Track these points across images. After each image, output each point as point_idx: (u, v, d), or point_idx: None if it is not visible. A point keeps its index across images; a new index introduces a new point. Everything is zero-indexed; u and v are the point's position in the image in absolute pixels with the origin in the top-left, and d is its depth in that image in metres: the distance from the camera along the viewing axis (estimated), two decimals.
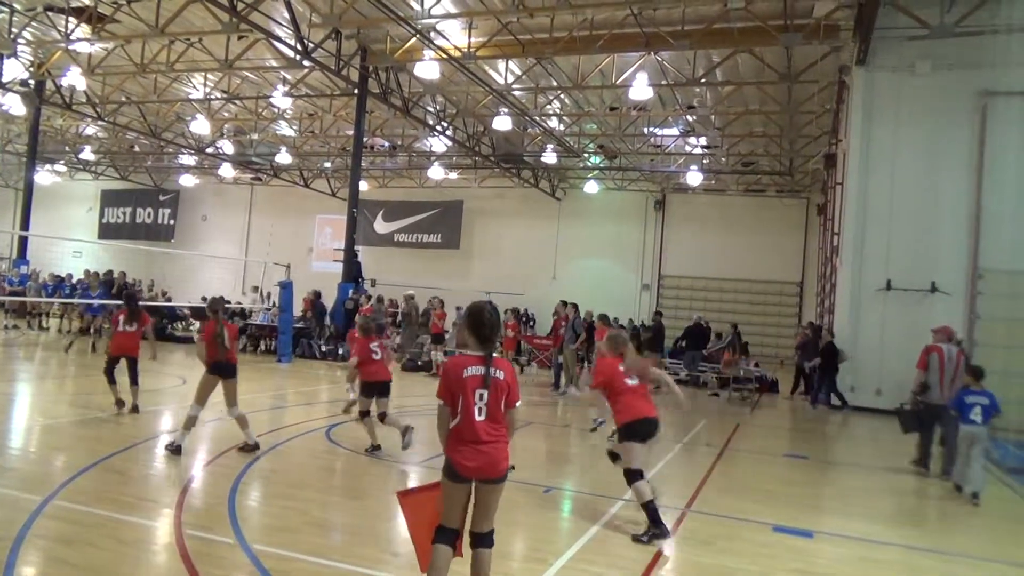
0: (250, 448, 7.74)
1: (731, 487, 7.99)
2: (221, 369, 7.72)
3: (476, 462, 3.82)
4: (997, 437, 11.87)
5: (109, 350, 9.73)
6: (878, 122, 15.36)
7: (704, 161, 24.98)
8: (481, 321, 3.97)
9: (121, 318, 9.59)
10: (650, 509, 5.77)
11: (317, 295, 20.79)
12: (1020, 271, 13.75)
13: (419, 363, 18.49)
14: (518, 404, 4.06)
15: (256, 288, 22.93)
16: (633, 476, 5.92)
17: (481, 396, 3.85)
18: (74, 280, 23.73)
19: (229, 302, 22.72)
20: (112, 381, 9.54)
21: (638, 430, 6.13)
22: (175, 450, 7.41)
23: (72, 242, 31.15)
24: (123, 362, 9.65)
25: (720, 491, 7.71)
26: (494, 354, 3.97)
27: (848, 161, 15.91)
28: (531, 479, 7.23)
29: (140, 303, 10.55)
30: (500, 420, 3.92)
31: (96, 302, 17.31)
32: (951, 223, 14.93)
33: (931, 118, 15.13)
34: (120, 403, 9.49)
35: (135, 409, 9.60)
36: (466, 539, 4.02)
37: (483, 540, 3.96)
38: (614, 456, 6.80)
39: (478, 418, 3.85)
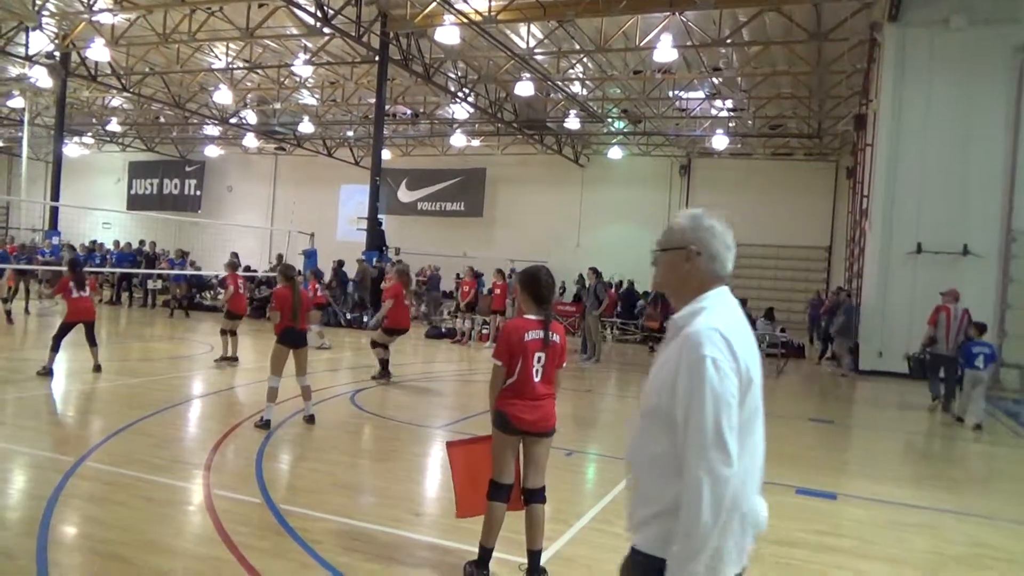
0: (308, 420, 7.65)
1: None
2: (293, 338, 7.48)
3: (533, 416, 4.03)
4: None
5: (66, 317, 9.78)
6: (910, 80, 14.93)
7: (730, 125, 24.53)
8: (539, 283, 4.11)
9: (72, 285, 9.63)
10: None
11: (340, 263, 20.92)
12: None
13: (443, 331, 18.60)
14: (564, 364, 4.27)
15: (280, 256, 23.16)
16: None
17: (539, 359, 4.05)
18: (104, 249, 24.14)
19: (256, 271, 22.98)
20: (56, 349, 9.46)
21: None
22: (264, 424, 7.31)
23: (101, 213, 31.60)
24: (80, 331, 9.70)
25: None
26: (551, 317, 4.13)
27: (879, 122, 15.52)
28: (555, 443, 7.24)
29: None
30: (552, 380, 4.15)
31: (174, 272, 19.13)
32: (984, 184, 14.54)
33: (965, 75, 14.66)
34: (50, 372, 9.36)
35: (98, 368, 9.80)
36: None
37: (536, 496, 4.11)
38: None
39: (536, 379, 4.04)
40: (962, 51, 14.64)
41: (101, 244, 24.72)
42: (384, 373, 10.73)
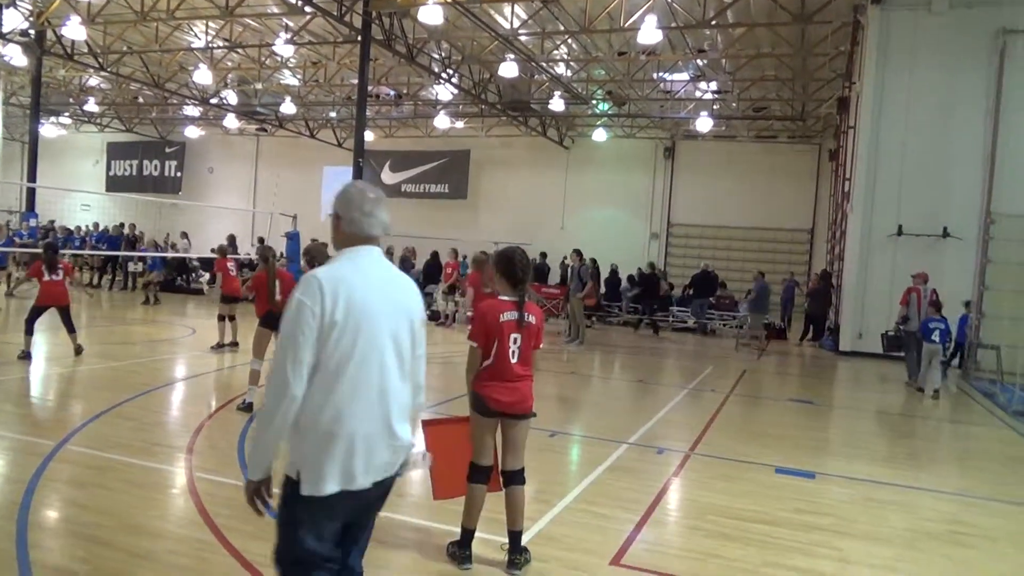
0: None
1: (735, 431, 8.06)
2: (272, 321, 7.30)
3: (510, 397, 4.03)
4: (1004, 381, 11.94)
5: (36, 300, 9.60)
6: (893, 63, 14.99)
7: (714, 107, 24.51)
8: (513, 264, 4.11)
9: (44, 268, 9.50)
10: None
11: (324, 245, 20.76)
12: None
13: (427, 313, 18.58)
14: (541, 346, 4.29)
15: (261, 240, 22.97)
16: None
17: (515, 340, 4.05)
18: (83, 232, 23.86)
19: (239, 254, 22.77)
20: (30, 332, 9.38)
21: None
22: (246, 407, 7.31)
23: (80, 195, 31.15)
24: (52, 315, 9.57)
25: (724, 435, 7.78)
26: (526, 299, 4.14)
27: (861, 104, 15.58)
28: (537, 424, 7.28)
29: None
30: (529, 361, 4.15)
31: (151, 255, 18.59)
32: (965, 167, 14.67)
33: (947, 58, 14.73)
34: (28, 355, 9.29)
35: (79, 351, 9.70)
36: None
37: (515, 477, 4.13)
38: None
39: (512, 360, 4.04)
40: (944, 34, 14.71)
41: (84, 226, 24.42)
42: None
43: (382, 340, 2.47)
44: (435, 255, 21.90)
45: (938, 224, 14.82)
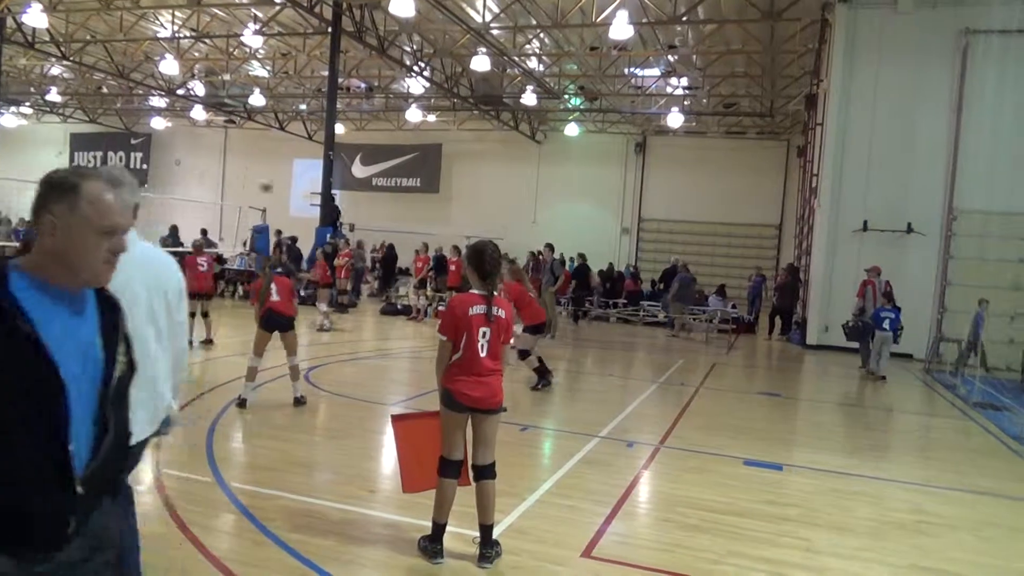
0: (298, 401, 7.61)
1: (704, 424, 8.15)
2: (267, 323, 7.48)
3: (478, 392, 4.02)
4: (965, 373, 12.23)
5: None
6: (859, 61, 15.23)
7: (685, 103, 24.68)
8: (482, 259, 4.11)
9: None
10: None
11: (293, 240, 20.54)
12: (991, 211, 13.91)
13: (399, 307, 18.49)
14: (512, 341, 4.27)
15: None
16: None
17: (484, 334, 4.04)
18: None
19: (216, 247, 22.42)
20: None
21: None
22: (241, 403, 7.29)
23: None
24: None
25: (693, 428, 7.86)
26: (495, 293, 4.13)
27: (829, 102, 15.80)
28: (509, 418, 7.31)
29: None
30: (499, 356, 4.14)
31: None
32: (928, 164, 14.98)
33: (912, 57, 15.01)
34: None
35: None
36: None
37: (486, 472, 4.12)
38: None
39: (481, 354, 4.04)
40: (909, 33, 14.98)
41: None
42: (543, 378, 9.50)
43: (138, 313, 2.54)
44: (391, 247, 22.07)
45: (902, 220, 15.11)
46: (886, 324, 12.07)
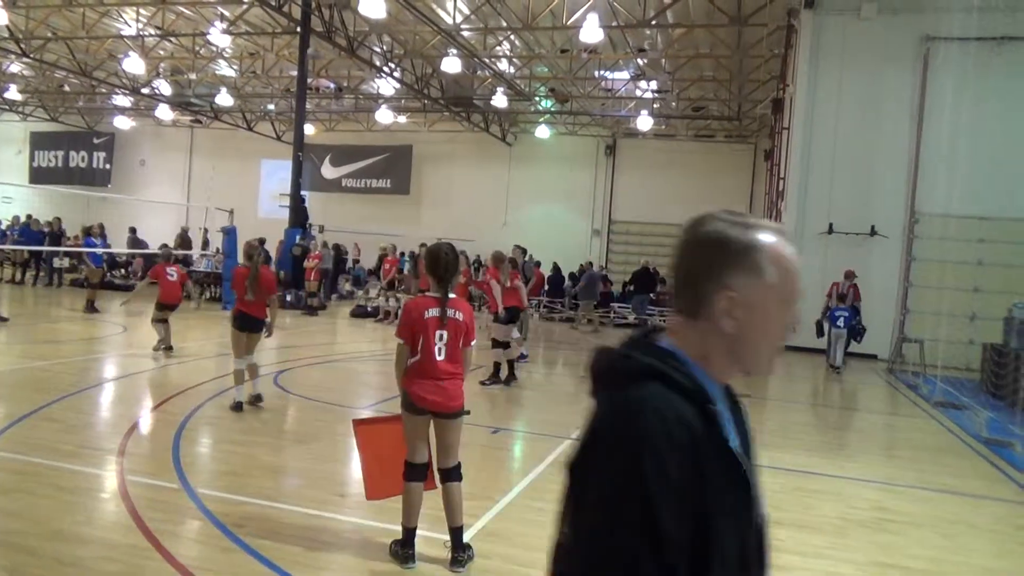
0: (254, 400, 7.57)
1: None
2: (241, 323, 7.43)
3: (436, 396, 4.00)
4: (927, 374, 12.49)
5: None
6: (824, 66, 15.50)
7: (654, 106, 24.90)
8: (437, 261, 4.10)
9: None
10: None
11: (261, 241, 20.30)
12: (951, 215, 14.23)
13: (369, 309, 18.37)
14: (473, 343, 4.23)
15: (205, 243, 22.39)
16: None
17: (441, 337, 4.02)
18: (3, 226, 22.80)
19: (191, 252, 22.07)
20: None
21: None
22: (236, 407, 7.26)
23: (1, 187, 29.72)
24: None
25: None
26: (451, 295, 4.10)
27: (794, 106, 16.06)
28: (480, 421, 7.31)
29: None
30: (458, 359, 4.11)
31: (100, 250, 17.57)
32: (891, 168, 15.29)
33: (875, 63, 15.32)
34: None
35: None
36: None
37: (451, 474, 4.12)
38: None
39: (438, 357, 4.02)
40: (872, 39, 15.28)
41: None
42: (500, 379, 9.73)
43: None
44: (337, 247, 22.32)
45: (866, 222, 15.40)
46: (840, 322, 13.26)
